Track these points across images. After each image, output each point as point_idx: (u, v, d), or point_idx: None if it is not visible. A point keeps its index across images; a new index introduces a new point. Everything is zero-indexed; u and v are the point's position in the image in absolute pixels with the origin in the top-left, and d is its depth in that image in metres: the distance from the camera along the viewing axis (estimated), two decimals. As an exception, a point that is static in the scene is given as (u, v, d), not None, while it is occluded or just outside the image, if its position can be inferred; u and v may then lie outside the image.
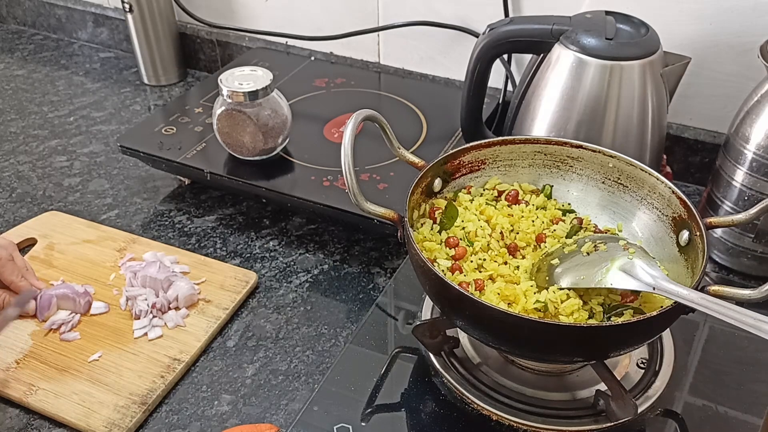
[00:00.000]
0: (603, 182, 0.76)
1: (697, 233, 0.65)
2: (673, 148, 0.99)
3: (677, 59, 0.83)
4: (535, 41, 0.84)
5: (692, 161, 0.99)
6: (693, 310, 0.58)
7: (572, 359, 0.66)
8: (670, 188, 0.70)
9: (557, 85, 0.83)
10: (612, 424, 0.65)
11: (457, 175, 0.76)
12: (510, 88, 1.05)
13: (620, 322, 0.60)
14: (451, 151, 0.75)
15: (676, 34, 0.91)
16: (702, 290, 0.59)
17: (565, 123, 0.83)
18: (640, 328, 0.59)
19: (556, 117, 0.84)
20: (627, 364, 0.71)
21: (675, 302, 0.58)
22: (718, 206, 0.84)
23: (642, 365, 0.71)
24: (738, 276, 0.85)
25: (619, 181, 0.75)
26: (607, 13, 0.83)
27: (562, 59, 0.82)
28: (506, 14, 1.01)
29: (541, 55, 0.84)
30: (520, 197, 0.76)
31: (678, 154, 0.99)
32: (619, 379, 0.64)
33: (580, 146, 0.75)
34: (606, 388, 0.65)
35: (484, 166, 0.77)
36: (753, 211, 0.65)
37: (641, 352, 0.73)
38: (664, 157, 0.91)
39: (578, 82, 0.81)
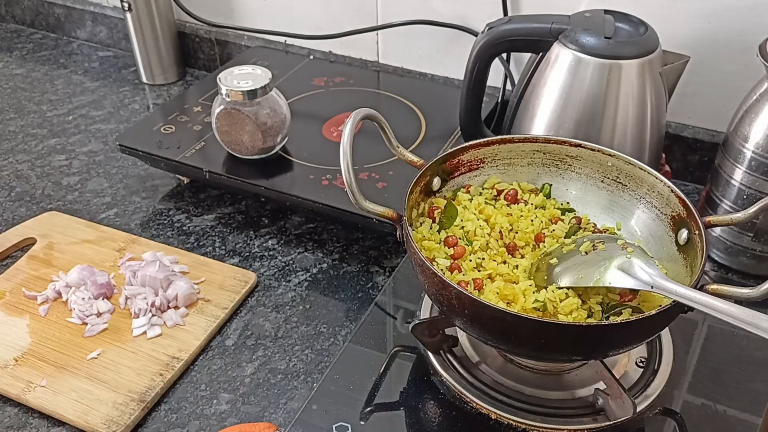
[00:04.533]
0: (602, 181, 0.76)
1: (696, 232, 0.65)
2: (672, 146, 0.99)
3: (676, 58, 0.83)
4: (534, 40, 0.84)
5: (691, 160, 0.99)
6: (692, 308, 0.58)
7: (571, 358, 0.66)
8: (668, 187, 0.70)
9: (556, 84, 0.83)
10: (611, 422, 0.65)
11: (456, 174, 0.76)
12: (509, 86, 1.05)
13: (619, 321, 0.60)
14: (450, 150, 0.75)
15: (675, 32, 0.91)
16: (701, 289, 0.59)
17: (563, 122, 0.83)
18: (639, 327, 0.59)
19: (555, 116, 0.84)
20: (626, 363, 0.71)
21: (674, 301, 0.58)
22: (717, 205, 0.84)
23: (641, 364, 0.71)
24: (737, 275, 0.85)
25: (617, 180, 0.75)
26: (606, 11, 0.83)
27: (560, 58, 0.82)
28: (505, 13, 1.01)
29: (540, 54, 0.84)
30: (519, 196, 0.76)
31: (677, 153, 0.99)
32: (618, 377, 0.64)
33: (579, 145, 0.75)
34: (605, 386, 0.66)
35: (483, 165, 0.77)
36: (752, 209, 0.65)
37: (640, 350, 0.73)
38: (663, 155, 0.91)
39: (577, 80, 0.81)
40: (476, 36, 0.91)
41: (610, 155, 0.74)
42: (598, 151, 0.75)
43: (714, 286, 0.60)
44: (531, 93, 0.86)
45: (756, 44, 0.78)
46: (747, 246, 0.83)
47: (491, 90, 1.02)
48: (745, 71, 0.90)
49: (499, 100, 1.05)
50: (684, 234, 0.68)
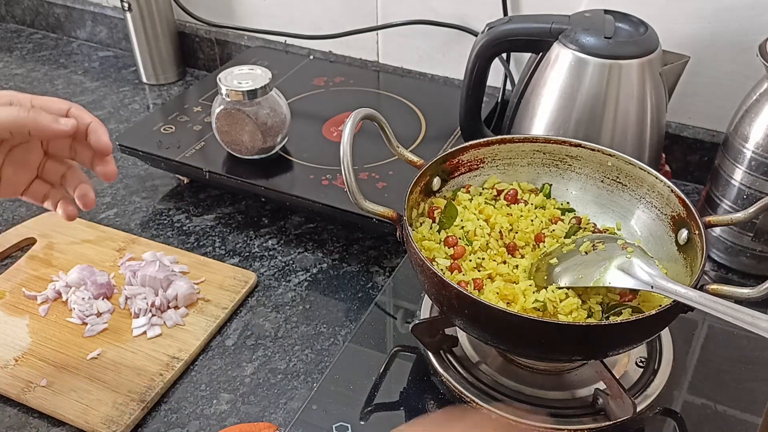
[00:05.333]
0: (602, 181, 0.76)
1: (696, 232, 0.65)
2: (672, 146, 0.99)
3: (676, 58, 0.83)
4: (534, 40, 0.84)
5: (691, 160, 0.99)
6: (692, 308, 0.58)
7: (571, 358, 0.66)
8: (668, 187, 0.70)
9: (556, 84, 0.83)
10: (611, 422, 0.65)
11: (456, 174, 0.76)
12: (509, 86, 1.05)
13: (619, 321, 0.60)
14: (450, 150, 0.75)
15: (675, 32, 0.91)
16: (701, 289, 0.59)
17: (564, 122, 0.83)
18: (639, 326, 0.59)
19: (554, 116, 0.84)
20: (626, 363, 0.71)
21: (674, 301, 0.58)
22: (716, 205, 0.84)
23: (641, 364, 0.71)
24: (737, 275, 0.85)
25: (617, 180, 0.75)
26: (606, 11, 0.83)
27: (561, 58, 0.82)
28: (505, 13, 1.01)
29: (540, 53, 0.84)
30: (519, 196, 0.76)
31: (677, 153, 0.99)
32: (618, 377, 0.64)
33: (579, 145, 0.75)
34: (605, 386, 0.66)
35: (483, 165, 0.77)
36: (752, 209, 0.65)
37: (640, 350, 0.73)
38: (663, 155, 0.91)
39: (577, 80, 0.81)
40: (476, 36, 0.91)
41: (610, 155, 0.74)
42: (598, 151, 0.75)
43: (714, 286, 0.60)
44: (531, 93, 0.86)
45: (756, 44, 0.78)
46: (747, 246, 0.83)
47: (491, 90, 1.02)
48: (745, 71, 0.90)
49: (499, 100, 1.05)
50: (684, 234, 0.68)
